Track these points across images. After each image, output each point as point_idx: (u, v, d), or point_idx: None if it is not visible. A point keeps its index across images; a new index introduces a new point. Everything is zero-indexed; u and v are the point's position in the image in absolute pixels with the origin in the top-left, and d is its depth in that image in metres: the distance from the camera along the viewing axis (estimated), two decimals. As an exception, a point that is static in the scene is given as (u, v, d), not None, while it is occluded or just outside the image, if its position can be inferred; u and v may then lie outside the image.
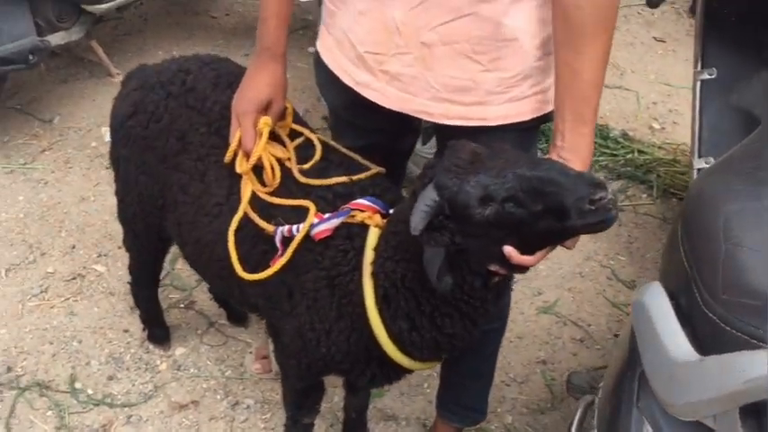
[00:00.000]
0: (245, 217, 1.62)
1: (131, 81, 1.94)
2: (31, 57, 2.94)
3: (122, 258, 2.69)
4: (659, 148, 3.38)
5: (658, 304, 1.07)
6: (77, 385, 2.29)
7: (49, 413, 2.22)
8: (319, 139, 1.71)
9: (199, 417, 2.24)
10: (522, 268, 1.35)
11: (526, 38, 1.42)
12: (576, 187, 1.22)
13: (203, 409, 2.26)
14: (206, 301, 2.58)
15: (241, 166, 1.63)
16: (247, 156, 1.62)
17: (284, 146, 1.67)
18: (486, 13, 1.39)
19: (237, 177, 1.66)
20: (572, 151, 1.37)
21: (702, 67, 2.32)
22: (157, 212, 1.91)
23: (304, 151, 1.67)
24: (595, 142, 3.35)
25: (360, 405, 2.04)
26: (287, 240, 1.55)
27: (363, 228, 1.51)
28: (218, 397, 2.30)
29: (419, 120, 1.60)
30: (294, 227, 1.53)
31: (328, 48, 1.63)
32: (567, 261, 2.85)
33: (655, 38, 4.26)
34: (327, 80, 1.66)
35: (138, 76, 1.93)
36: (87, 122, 3.37)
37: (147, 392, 2.29)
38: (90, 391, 2.28)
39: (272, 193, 1.61)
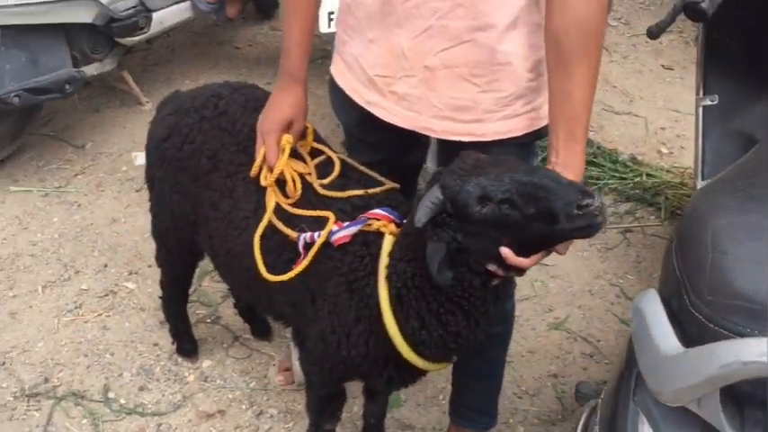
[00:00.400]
0: (271, 228, 1.75)
1: (167, 106, 2.09)
2: (67, 86, 3.12)
3: (152, 276, 2.84)
4: (667, 171, 3.48)
5: (653, 308, 1.18)
6: (110, 395, 2.42)
7: (84, 421, 2.34)
8: (338, 156, 1.84)
9: (225, 426, 2.35)
10: (519, 270, 1.46)
11: (519, 61, 1.56)
12: (566, 193, 1.34)
13: (229, 418, 2.38)
14: (231, 316, 2.71)
15: (265, 180, 1.78)
16: (271, 170, 1.76)
17: (305, 162, 1.81)
18: (482, 40, 1.54)
19: (263, 192, 1.80)
20: (565, 166, 1.49)
21: (704, 94, 2.42)
22: (189, 228, 2.05)
23: (324, 168, 1.81)
24: (605, 166, 3.50)
25: (378, 412, 2.15)
26: (309, 246, 1.68)
27: (379, 236, 1.64)
28: (243, 407, 2.42)
29: (426, 136, 1.73)
30: (315, 233, 1.66)
31: (341, 71, 1.79)
32: (577, 279, 2.96)
33: (663, 66, 4.40)
34: (341, 101, 1.81)
35: (174, 102, 2.08)
36: (118, 148, 3.55)
37: (176, 402, 2.41)
38: (122, 401, 2.40)
39: (293, 206, 1.75)
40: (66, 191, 3.27)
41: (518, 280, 2.95)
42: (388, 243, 1.62)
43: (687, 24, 4.41)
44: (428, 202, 1.41)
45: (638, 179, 3.43)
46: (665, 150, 3.69)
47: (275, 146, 1.76)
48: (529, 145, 1.71)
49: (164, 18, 3.50)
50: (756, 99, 2.38)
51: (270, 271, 1.74)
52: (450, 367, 2.15)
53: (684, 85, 4.16)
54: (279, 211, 1.75)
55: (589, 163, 3.49)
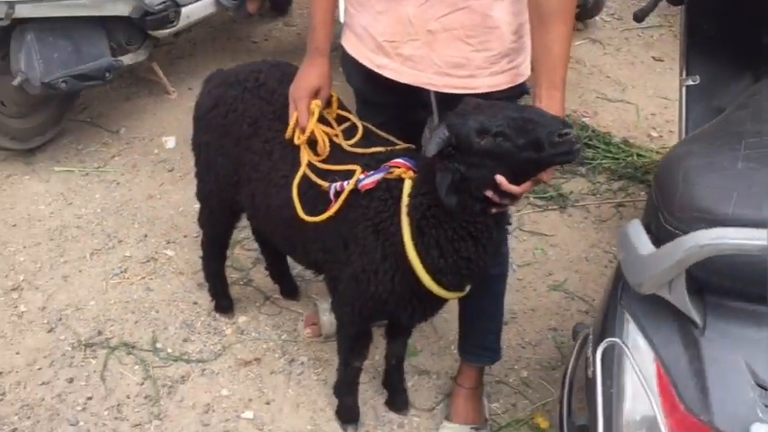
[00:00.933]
0: (306, 183, 2.04)
1: (212, 81, 2.38)
2: (107, 74, 3.41)
3: (188, 245, 3.13)
4: (656, 152, 3.78)
5: (635, 229, 1.46)
6: (158, 345, 2.70)
7: (136, 367, 2.63)
8: (361, 123, 2.14)
9: (261, 371, 2.64)
10: (512, 197, 1.75)
11: (504, 26, 1.88)
12: (549, 124, 1.64)
13: (264, 365, 2.66)
14: (261, 279, 2.99)
15: (298, 139, 2.07)
16: (303, 131, 2.06)
17: (332, 127, 2.10)
18: (475, 7, 1.85)
19: (298, 153, 2.09)
20: (548, 109, 1.77)
21: (687, 75, 2.67)
22: (231, 188, 2.33)
23: (348, 132, 2.10)
24: (599, 147, 3.79)
25: (399, 353, 2.43)
26: (338, 194, 1.97)
27: (400, 181, 1.93)
28: (277, 355, 2.70)
29: (427, 96, 2.03)
30: (345, 182, 1.96)
31: (352, 43, 2.09)
32: (574, 248, 3.25)
33: (653, 57, 4.70)
34: (352, 68, 2.11)
35: (218, 77, 2.37)
36: (149, 133, 3.84)
37: (216, 351, 2.69)
38: (169, 350, 2.69)
39: (323, 163, 2.04)
40: (105, 171, 3.55)
41: (520, 248, 3.29)
42: (407, 186, 1.91)
43: (677, 19, 4.71)
44: (437, 138, 1.71)
45: (629, 159, 3.73)
46: (654, 134, 4.00)
47: (306, 110, 2.06)
48: (512, 98, 2.01)
49: (191, 12, 3.79)
50: (733, 78, 2.64)
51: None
52: (458, 323, 2.45)
53: (673, 75, 4.40)
54: (311, 167, 2.04)
55: (585, 145, 3.80)
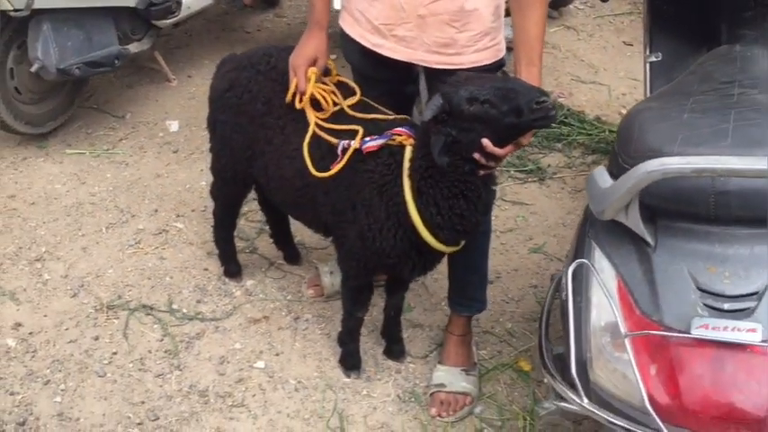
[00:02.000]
0: (315, 143, 2.28)
1: (226, 65, 2.62)
2: (116, 61, 3.65)
3: (196, 218, 3.38)
4: (627, 128, 4.07)
5: (599, 172, 1.74)
6: (174, 306, 2.94)
7: (155, 326, 2.87)
8: (359, 85, 2.39)
9: (270, 327, 2.89)
10: (497, 158, 2.01)
11: (483, 8, 2.16)
12: (529, 93, 1.90)
13: (272, 322, 2.91)
14: (265, 247, 3.24)
15: (299, 103, 2.32)
16: (302, 95, 2.31)
17: (333, 92, 2.34)
18: None
19: (307, 125, 2.33)
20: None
21: (650, 52, 2.96)
22: (245, 162, 2.58)
23: (346, 94, 2.35)
24: (574, 125, 4.08)
25: (397, 305, 2.69)
26: (346, 152, 2.23)
27: (401, 147, 2.19)
28: (283, 314, 2.96)
29: (417, 72, 2.30)
30: (351, 141, 2.22)
31: (350, 24, 2.35)
32: (552, 215, 3.54)
33: (624, 42, 5.01)
34: (350, 46, 2.37)
35: (232, 61, 2.62)
36: (154, 118, 4.07)
37: (228, 311, 2.94)
38: (185, 311, 2.93)
39: (329, 122, 2.28)
40: (114, 152, 3.79)
41: (503, 216, 3.57)
42: (408, 152, 2.18)
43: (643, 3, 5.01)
44: (432, 104, 1.99)
45: (602, 135, 4.02)
46: (624, 112, 4.27)
47: (304, 76, 2.32)
48: (492, 71, 2.29)
49: (191, 3, 4.04)
50: (691, 54, 2.91)
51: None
52: (447, 281, 2.71)
53: (643, 58, 4.76)
54: (318, 127, 2.29)
55: (560, 123, 4.08)
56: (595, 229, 1.76)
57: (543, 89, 1.96)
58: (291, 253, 3.18)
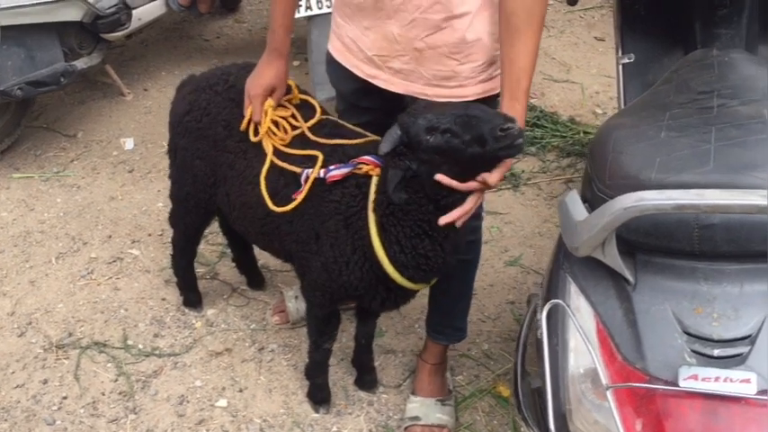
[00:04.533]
0: (276, 173, 2.12)
1: (185, 87, 2.44)
2: (62, 79, 3.44)
3: (153, 244, 3.19)
4: (602, 129, 3.94)
5: (572, 198, 1.58)
6: (129, 342, 2.76)
7: (109, 365, 2.68)
8: (321, 106, 2.22)
9: (232, 360, 2.72)
10: (460, 195, 1.81)
11: (486, 36, 1.93)
12: (492, 120, 1.72)
13: (235, 354, 2.74)
14: (227, 272, 3.07)
15: (254, 137, 2.16)
16: (257, 126, 2.15)
17: (292, 113, 2.19)
18: (457, 26, 1.91)
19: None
20: None
21: (623, 53, 2.81)
22: (208, 189, 2.39)
23: (306, 115, 2.19)
24: (547, 127, 3.94)
25: (368, 333, 2.52)
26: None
27: (368, 178, 2.02)
28: (247, 344, 2.78)
29: (409, 100, 2.10)
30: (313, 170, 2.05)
31: (340, 51, 2.15)
32: (527, 224, 3.39)
33: (596, 37, 4.88)
34: (340, 74, 2.18)
35: (191, 83, 2.44)
36: (107, 135, 3.87)
37: (187, 344, 2.77)
38: (141, 346, 2.75)
39: (287, 147, 2.12)
40: (65, 175, 3.58)
41: (477, 226, 3.39)
42: (374, 183, 2.00)
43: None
44: (388, 136, 1.82)
45: (576, 137, 3.88)
46: (599, 111, 4.16)
47: (260, 107, 2.15)
48: (494, 98, 2.06)
49: (142, 14, 3.83)
50: (665, 54, 2.78)
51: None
52: (421, 299, 2.54)
53: (615, 59, 4.63)
54: (279, 155, 2.13)
55: (533, 125, 3.94)
56: (570, 261, 1.61)
57: (508, 115, 1.77)
58: (255, 278, 3.01)
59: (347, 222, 2.06)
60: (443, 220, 1.83)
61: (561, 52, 4.70)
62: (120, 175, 3.60)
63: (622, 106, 2.85)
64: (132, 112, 4.04)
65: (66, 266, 3.09)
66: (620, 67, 2.85)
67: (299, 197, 2.06)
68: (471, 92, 2.01)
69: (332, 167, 2.03)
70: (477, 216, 2.16)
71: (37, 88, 3.34)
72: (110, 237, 3.23)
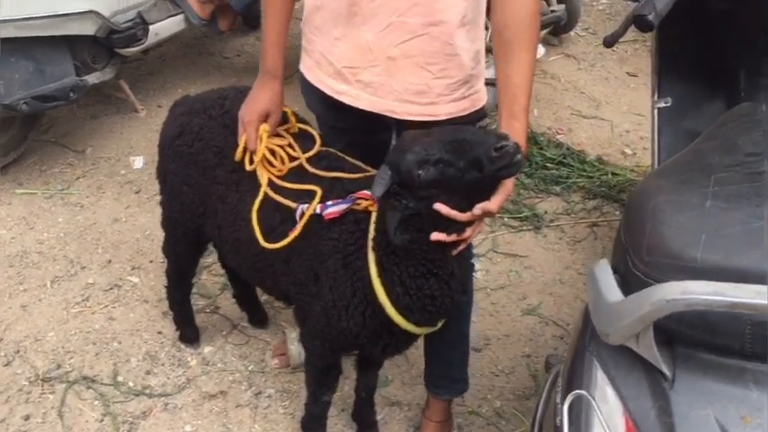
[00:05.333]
0: (271, 208, 1.96)
1: (179, 108, 2.30)
2: (71, 94, 3.32)
3: (154, 271, 3.04)
4: (630, 170, 3.75)
5: (603, 271, 1.41)
6: (119, 378, 2.61)
7: (96, 403, 2.53)
8: (320, 136, 2.07)
9: (226, 404, 2.56)
10: (460, 226, 1.68)
11: (464, 53, 1.84)
12: (484, 141, 1.58)
13: (230, 398, 2.58)
14: (229, 306, 2.91)
15: (249, 166, 2.01)
16: (252, 154, 2.00)
17: (289, 142, 2.03)
18: (435, 34, 1.80)
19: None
20: None
21: (659, 97, 2.65)
22: (197, 219, 2.25)
23: (305, 145, 2.03)
24: (573, 166, 3.76)
25: (369, 385, 2.36)
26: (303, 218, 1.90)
27: (368, 214, 1.86)
28: (243, 387, 2.62)
29: (390, 117, 1.96)
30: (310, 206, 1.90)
31: (310, 68, 2.01)
32: (548, 270, 3.20)
33: (628, 73, 4.69)
34: (311, 92, 2.04)
35: (184, 104, 2.29)
36: (116, 153, 3.74)
37: (180, 384, 2.61)
38: (131, 384, 2.60)
39: (283, 180, 1.97)
40: (69, 193, 3.46)
41: (495, 271, 3.23)
42: (374, 219, 1.84)
43: (650, 35, 4.69)
44: (379, 178, 1.67)
45: (604, 177, 3.69)
46: (628, 151, 3.97)
47: (254, 133, 2.00)
48: (472, 122, 1.96)
49: (159, 30, 3.71)
50: (704, 101, 2.62)
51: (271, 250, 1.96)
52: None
53: (647, 91, 4.37)
54: (274, 188, 1.98)
55: (559, 163, 3.77)
56: (598, 343, 1.43)
57: (500, 132, 1.63)
58: (257, 315, 2.85)
59: (346, 262, 1.90)
60: (435, 237, 1.70)
61: (591, 87, 4.52)
62: (125, 195, 3.47)
63: (656, 153, 2.69)
64: (144, 130, 3.91)
65: (61, 291, 2.95)
66: (656, 111, 2.69)
67: (292, 234, 1.90)
68: (443, 110, 1.90)
69: (329, 203, 1.87)
70: (468, 248, 1.99)
71: (44, 103, 3.23)
72: (109, 261, 3.09)
